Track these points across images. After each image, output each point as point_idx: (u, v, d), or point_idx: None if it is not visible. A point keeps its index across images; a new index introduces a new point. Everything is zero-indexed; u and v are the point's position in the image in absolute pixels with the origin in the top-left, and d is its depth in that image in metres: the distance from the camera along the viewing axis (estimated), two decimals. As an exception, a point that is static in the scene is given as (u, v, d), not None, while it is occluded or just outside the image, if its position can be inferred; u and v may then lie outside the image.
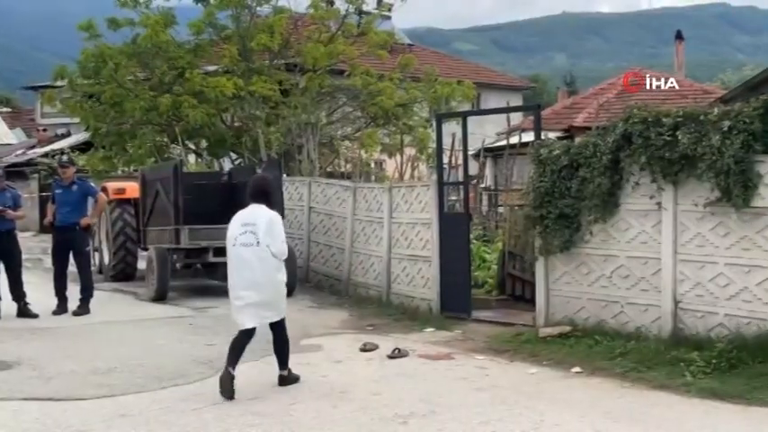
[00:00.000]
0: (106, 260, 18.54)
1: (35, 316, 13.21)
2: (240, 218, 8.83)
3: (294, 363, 8.99)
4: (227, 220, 15.39)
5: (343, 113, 24.29)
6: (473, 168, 17.87)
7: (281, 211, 13.21)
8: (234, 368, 8.41)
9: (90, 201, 14.23)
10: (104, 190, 17.16)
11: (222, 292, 15.82)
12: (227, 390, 8.28)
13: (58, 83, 24.83)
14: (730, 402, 7.90)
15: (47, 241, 17.22)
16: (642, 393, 8.39)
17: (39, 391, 8.78)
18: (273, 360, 9.10)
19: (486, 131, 25.94)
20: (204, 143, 24.02)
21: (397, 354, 10.30)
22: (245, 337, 8.67)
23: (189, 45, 23.24)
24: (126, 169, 24.29)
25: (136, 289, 16.41)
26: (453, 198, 16.39)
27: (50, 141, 40.31)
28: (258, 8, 23.77)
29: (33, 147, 41.70)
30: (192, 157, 24.36)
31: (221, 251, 15.40)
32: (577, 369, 9.38)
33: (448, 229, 13.00)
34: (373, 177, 21.57)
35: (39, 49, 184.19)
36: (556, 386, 8.78)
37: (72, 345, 11.24)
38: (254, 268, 8.55)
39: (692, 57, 58.87)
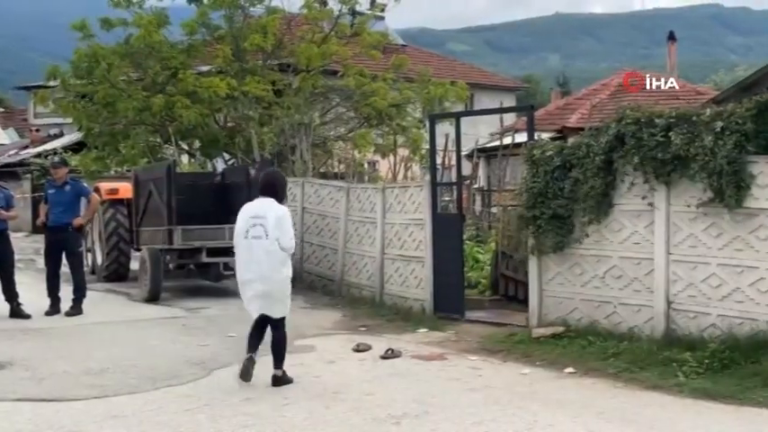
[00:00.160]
0: (99, 260, 18.52)
1: (28, 316, 13.18)
2: (249, 211, 8.92)
3: (287, 363, 8.97)
4: (220, 220, 15.64)
5: (336, 114, 24.27)
6: (466, 169, 17.85)
7: None
8: (255, 353, 8.73)
9: (83, 201, 14.20)
10: (97, 190, 17.15)
11: (215, 293, 15.95)
12: (246, 373, 8.61)
13: (51, 83, 24.74)
14: (723, 402, 7.92)
15: (39, 242, 17.24)
16: (635, 394, 8.40)
17: (31, 391, 8.76)
18: (267, 360, 9.10)
19: (479, 132, 26.02)
20: (197, 143, 23.98)
21: (390, 354, 10.30)
22: (259, 326, 8.94)
23: (182, 45, 23.18)
24: (119, 169, 24.21)
25: (129, 289, 16.39)
26: (446, 198, 16.40)
27: (43, 141, 40.25)
28: (251, 8, 23.72)
29: (26, 147, 41.63)
30: (185, 158, 24.34)
31: (214, 251, 15.63)
32: (570, 369, 9.39)
33: (441, 229, 13.00)
34: (366, 178, 21.55)
35: (31, 48, 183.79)
36: (549, 386, 8.79)
37: (65, 345, 11.22)
38: (262, 261, 8.68)
39: (685, 57, 58.96)
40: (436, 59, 43.09)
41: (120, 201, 18.03)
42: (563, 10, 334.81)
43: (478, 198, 22.08)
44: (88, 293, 14.10)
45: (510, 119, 24.82)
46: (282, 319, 8.96)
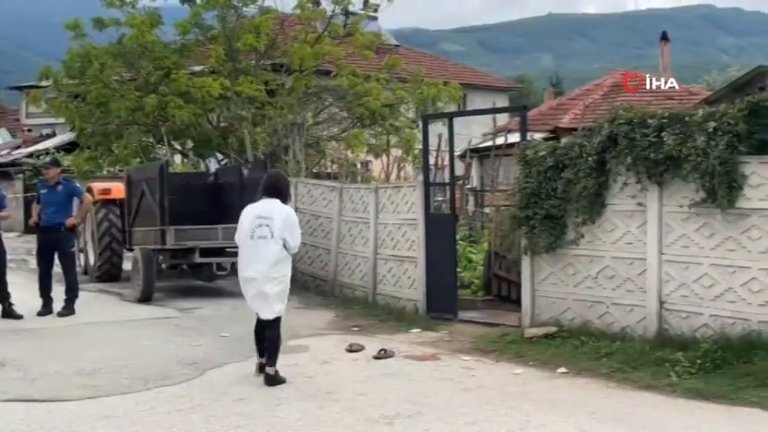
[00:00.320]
0: (91, 261, 18.47)
1: (20, 317, 13.14)
2: (254, 211, 9.11)
3: (280, 363, 8.99)
4: (213, 220, 15.61)
5: (329, 114, 24.24)
6: (459, 169, 17.86)
7: None
8: (272, 367, 8.90)
9: (75, 201, 14.19)
10: (89, 190, 17.09)
11: (208, 293, 15.93)
12: (271, 384, 8.81)
13: (44, 83, 24.69)
14: (715, 402, 7.94)
15: (32, 242, 17.17)
16: (627, 394, 8.42)
17: (23, 392, 8.74)
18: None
19: (472, 132, 26.06)
20: (190, 143, 23.92)
21: (382, 354, 10.30)
22: (261, 326, 9.14)
23: (175, 45, 23.14)
24: (111, 169, 24.16)
25: (121, 290, 16.36)
26: (439, 199, 16.39)
27: (35, 141, 40.14)
28: (244, 8, 23.70)
29: (18, 147, 41.49)
30: (177, 158, 24.28)
31: (207, 252, 15.62)
32: (563, 369, 9.41)
33: (434, 229, 13.01)
34: (359, 178, 21.53)
35: (24, 48, 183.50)
36: (541, 386, 8.80)
37: (57, 346, 11.19)
38: (266, 260, 8.89)
39: (678, 58, 59.07)
40: (429, 59, 43.08)
41: (113, 201, 17.98)
42: (556, 10, 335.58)
43: (471, 198, 22.08)
44: (80, 294, 14.08)
45: (503, 119, 24.84)
46: (278, 320, 9.06)
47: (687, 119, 9.48)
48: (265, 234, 8.88)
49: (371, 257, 14.31)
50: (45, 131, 41.41)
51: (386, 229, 14.00)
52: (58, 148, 32.91)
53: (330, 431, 7.35)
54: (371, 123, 23.33)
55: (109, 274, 17.82)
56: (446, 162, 15.46)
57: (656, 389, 8.45)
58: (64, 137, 35.34)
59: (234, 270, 15.77)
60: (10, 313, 13.23)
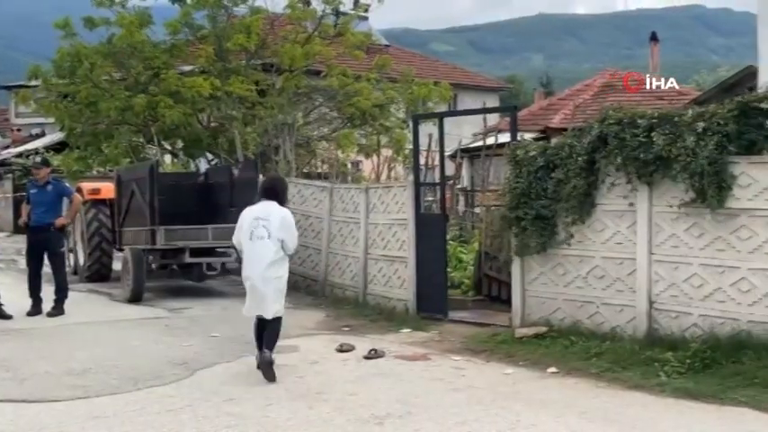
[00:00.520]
0: (81, 261, 18.43)
1: (9, 317, 13.11)
2: (252, 213, 9.39)
3: (270, 363, 9.00)
4: (203, 220, 15.59)
5: (319, 114, 24.23)
6: (449, 169, 17.89)
7: None
8: (270, 352, 9.03)
9: (65, 201, 14.15)
10: (79, 190, 17.06)
11: (198, 293, 15.92)
12: (269, 375, 8.92)
13: (33, 82, 24.62)
14: (704, 402, 7.95)
15: (21, 242, 17.15)
16: (617, 393, 8.43)
17: (13, 392, 8.72)
18: (250, 361, 9.13)
19: (462, 132, 26.08)
20: (180, 143, 23.88)
21: (373, 354, 10.30)
22: (260, 326, 9.35)
23: (165, 45, 23.09)
24: (101, 169, 24.10)
25: (111, 290, 16.33)
26: (430, 199, 16.41)
27: (25, 141, 40.05)
28: (235, 8, 23.67)
29: (7, 147, 41.41)
30: (167, 158, 24.23)
31: (197, 252, 15.61)
32: (553, 369, 9.42)
33: (424, 229, 13.01)
34: (350, 178, 21.53)
35: (13, 48, 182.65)
36: (532, 386, 8.81)
37: (46, 346, 11.17)
38: (263, 260, 9.17)
39: (668, 58, 59.08)
40: (419, 60, 43.09)
41: (103, 201, 17.95)
42: (546, 10, 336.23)
43: (462, 198, 22.10)
44: (70, 294, 14.06)
45: (493, 119, 24.86)
46: (279, 319, 9.34)
47: (677, 119, 9.50)
48: (263, 234, 9.14)
49: (362, 257, 14.31)
50: (34, 131, 41.30)
51: (376, 229, 14.00)
52: (48, 148, 32.80)
53: (320, 431, 7.34)
54: (362, 123, 23.32)
55: (99, 274, 17.79)
56: (436, 162, 15.46)
57: (646, 388, 8.47)
58: (53, 136, 35.23)
59: (224, 270, 15.90)
60: (-1, 314, 13.20)
